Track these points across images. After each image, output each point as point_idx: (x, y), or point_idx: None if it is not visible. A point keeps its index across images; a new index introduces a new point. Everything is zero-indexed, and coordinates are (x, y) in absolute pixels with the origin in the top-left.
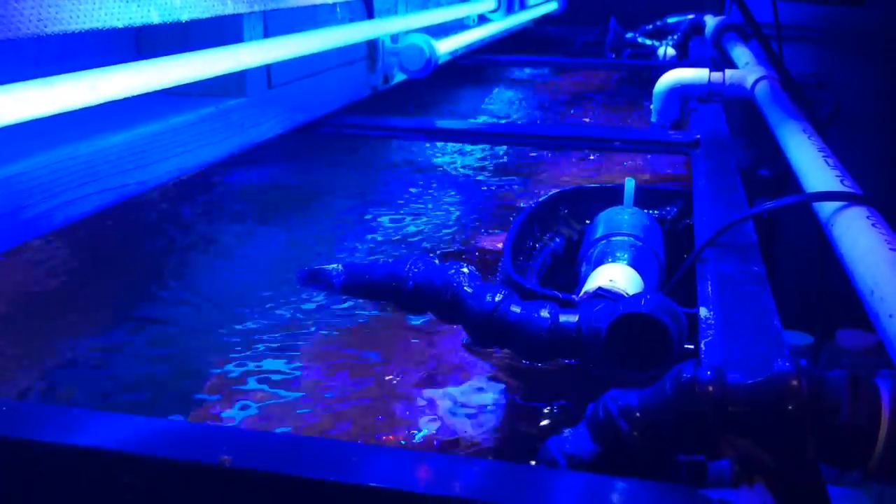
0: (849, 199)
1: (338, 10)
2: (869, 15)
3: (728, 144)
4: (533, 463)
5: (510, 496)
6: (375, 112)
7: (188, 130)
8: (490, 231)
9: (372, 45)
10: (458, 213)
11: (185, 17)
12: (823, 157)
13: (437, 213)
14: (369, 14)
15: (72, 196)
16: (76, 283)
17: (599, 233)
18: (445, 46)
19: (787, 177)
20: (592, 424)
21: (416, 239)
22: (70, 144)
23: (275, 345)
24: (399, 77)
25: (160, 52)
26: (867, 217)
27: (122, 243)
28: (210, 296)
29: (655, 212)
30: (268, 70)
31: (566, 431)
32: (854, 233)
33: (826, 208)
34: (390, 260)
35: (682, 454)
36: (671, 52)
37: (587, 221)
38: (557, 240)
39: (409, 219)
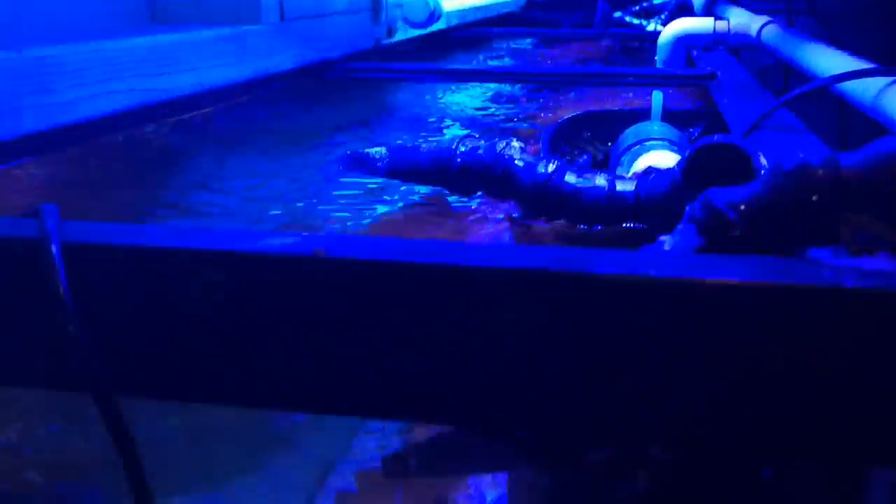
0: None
1: None
2: None
3: (747, 75)
4: None
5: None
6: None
7: (208, 47)
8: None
9: None
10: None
11: None
12: (857, 59)
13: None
14: None
15: (99, 90)
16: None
17: (630, 142)
18: (447, 4)
19: None
20: (694, 221)
21: None
22: (95, 41)
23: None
24: (402, 31)
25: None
26: None
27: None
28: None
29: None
30: (280, 1)
31: (660, 237)
32: None
33: (870, 88)
34: (434, 141)
35: (795, 242)
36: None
37: (610, 144)
38: (585, 157)
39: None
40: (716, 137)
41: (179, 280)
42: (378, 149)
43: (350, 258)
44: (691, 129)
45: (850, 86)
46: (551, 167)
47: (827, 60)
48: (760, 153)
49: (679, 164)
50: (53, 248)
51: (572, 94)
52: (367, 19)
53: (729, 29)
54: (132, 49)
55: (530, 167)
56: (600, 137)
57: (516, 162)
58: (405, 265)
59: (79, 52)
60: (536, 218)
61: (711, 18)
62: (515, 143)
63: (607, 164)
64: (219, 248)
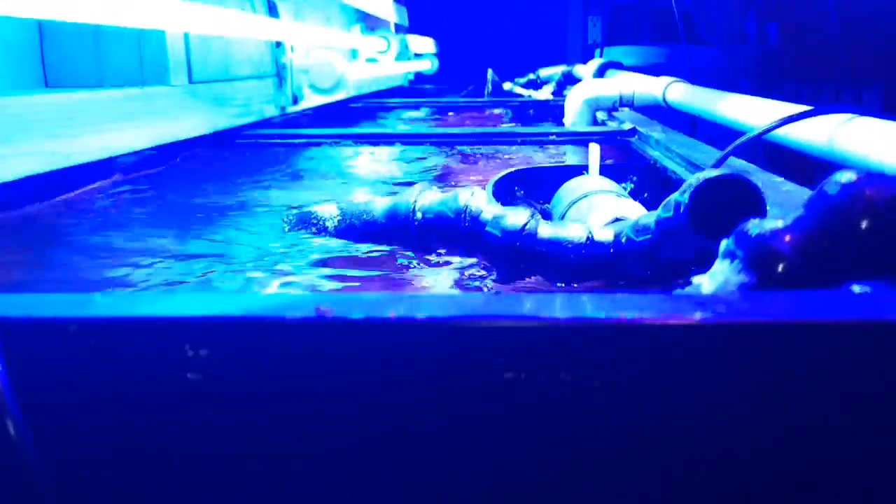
0: (854, 111)
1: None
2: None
3: (667, 128)
4: None
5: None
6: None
7: (116, 106)
8: None
9: (279, 64)
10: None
11: None
12: (787, 105)
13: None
14: (272, 11)
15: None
16: None
17: (571, 197)
18: (350, 71)
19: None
20: (736, 257)
21: None
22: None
23: None
24: (308, 97)
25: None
26: (883, 121)
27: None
28: None
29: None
30: (188, 63)
31: (694, 279)
32: (879, 133)
33: (823, 129)
34: (387, 198)
35: (851, 275)
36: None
37: (542, 202)
38: None
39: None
40: (717, 174)
41: (143, 360)
42: (327, 207)
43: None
44: (624, 183)
45: (796, 130)
46: (522, 218)
47: (752, 110)
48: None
49: (669, 209)
50: None
51: (497, 151)
52: (273, 86)
53: (634, 93)
54: (38, 108)
55: (498, 220)
56: (534, 195)
57: (483, 216)
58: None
59: None
60: (509, 279)
61: (617, 81)
62: (480, 193)
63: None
64: (200, 315)
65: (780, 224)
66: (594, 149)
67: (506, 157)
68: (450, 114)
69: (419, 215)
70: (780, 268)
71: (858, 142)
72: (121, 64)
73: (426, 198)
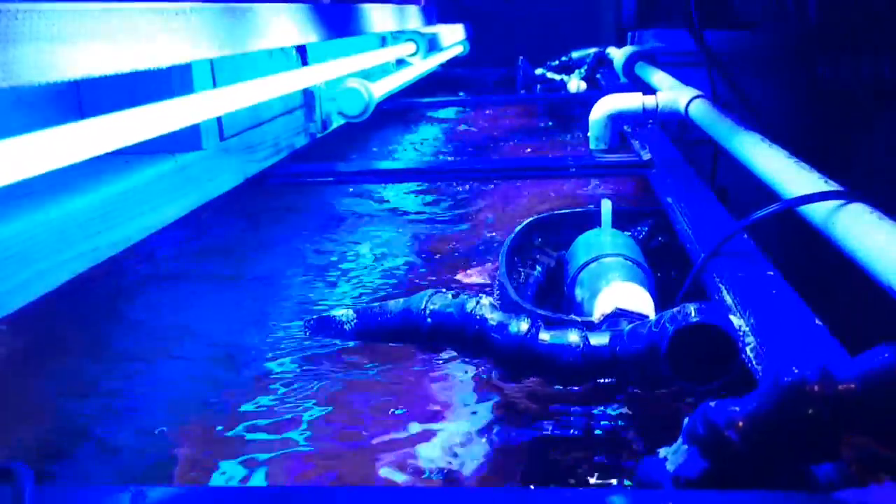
0: (846, 196)
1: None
2: (758, 38)
3: (682, 161)
4: (629, 485)
5: None
6: (318, 157)
7: (151, 187)
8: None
9: (308, 93)
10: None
11: (164, 63)
12: (796, 161)
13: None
14: (304, 62)
15: (45, 265)
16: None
17: (584, 257)
18: (378, 89)
19: (726, 193)
20: (695, 440)
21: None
22: (41, 209)
23: None
24: (338, 122)
25: (105, 111)
26: (871, 212)
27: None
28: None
29: (627, 233)
30: (219, 121)
31: (661, 451)
32: (865, 227)
33: (820, 209)
34: (401, 300)
35: (796, 460)
36: (583, 85)
37: (559, 249)
38: (539, 268)
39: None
40: (693, 315)
41: None
42: (344, 311)
43: None
44: (639, 227)
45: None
46: (524, 326)
47: (766, 161)
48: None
49: (657, 330)
50: None
51: (515, 186)
52: (302, 116)
53: (657, 105)
54: (76, 212)
55: (503, 327)
56: (550, 243)
57: (489, 322)
58: None
59: (23, 232)
60: (511, 377)
61: (639, 94)
62: (485, 301)
63: (561, 270)
64: None
65: (735, 409)
66: (606, 205)
67: (524, 193)
68: (480, 111)
69: (429, 319)
70: (732, 453)
71: (844, 230)
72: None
73: (436, 302)
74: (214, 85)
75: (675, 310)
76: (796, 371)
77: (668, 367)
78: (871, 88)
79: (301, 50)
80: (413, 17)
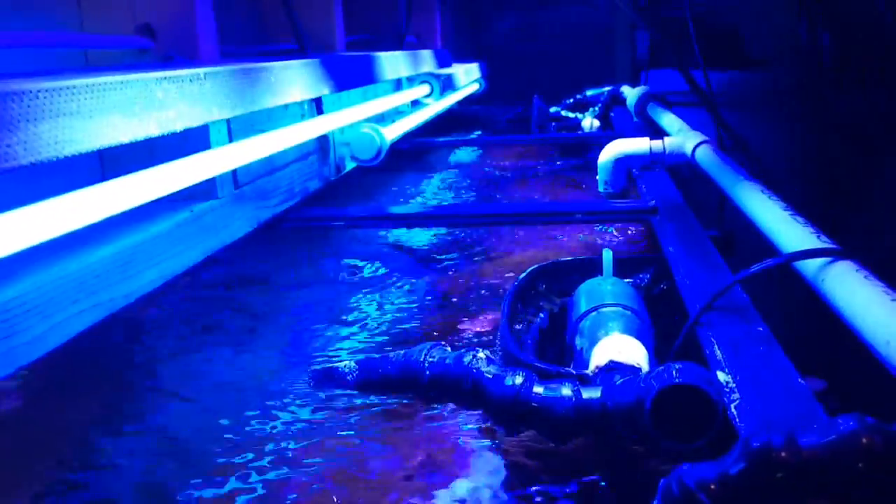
0: (834, 254)
1: (287, 105)
2: (767, 77)
3: (685, 207)
4: None
5: None
6: (331, 198)
7: (167, 238)
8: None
9: (322, 139)
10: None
11: (179, 128)
12: (791, 215)
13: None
14: (319, 111)
15: (62, 316)
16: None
17: (585, 306)
18: (390, 133)
19: (733, 236)
20: (670, 501)
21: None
22: (60, 262)
23: None
24: (350, 166)
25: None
26: (857, 270)
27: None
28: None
29: (629, 280)
30: (234, 171)
31: None
32: (850, 287)
33: (812, 265)
34: (401, 352)
35: None
36: (596, 123)
37: (563, 296)
38: (542, 315)
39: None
40: (675, 375)
41: None
42: (347, 363)
43: None
44: (641, 275)
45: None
46: (518, 379)
47: (763, 213)
48: (718, 389)
49: (643, 386)
50: None
51: (521, 232)
52: (316, 161)
53: (664, 149)
54: (94, 263)
55: (498, 380)
56: (555, 290)
57: (485, 375)
58: None
59: (42, 285)
60: (506, 429)
61: (647, 139)
62: (482, 355)
63: (565, 316)
64: None
65: (708, 472)
66: (607, 254)
67: (531, 238)
68: (493, 151)
69: (428, 373)
70: None
71: (831, 287)
72: None
73: (434, 356)
74: (230, 137)
75: (660, 368)
76: (765, 437)
77: (652, 425)
78: (885, 125)
79: (316, 99)
80: (427, 62)
